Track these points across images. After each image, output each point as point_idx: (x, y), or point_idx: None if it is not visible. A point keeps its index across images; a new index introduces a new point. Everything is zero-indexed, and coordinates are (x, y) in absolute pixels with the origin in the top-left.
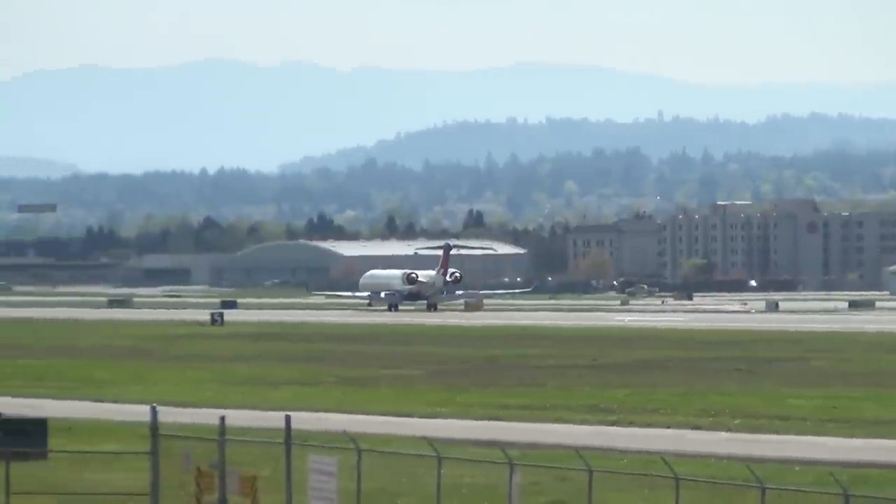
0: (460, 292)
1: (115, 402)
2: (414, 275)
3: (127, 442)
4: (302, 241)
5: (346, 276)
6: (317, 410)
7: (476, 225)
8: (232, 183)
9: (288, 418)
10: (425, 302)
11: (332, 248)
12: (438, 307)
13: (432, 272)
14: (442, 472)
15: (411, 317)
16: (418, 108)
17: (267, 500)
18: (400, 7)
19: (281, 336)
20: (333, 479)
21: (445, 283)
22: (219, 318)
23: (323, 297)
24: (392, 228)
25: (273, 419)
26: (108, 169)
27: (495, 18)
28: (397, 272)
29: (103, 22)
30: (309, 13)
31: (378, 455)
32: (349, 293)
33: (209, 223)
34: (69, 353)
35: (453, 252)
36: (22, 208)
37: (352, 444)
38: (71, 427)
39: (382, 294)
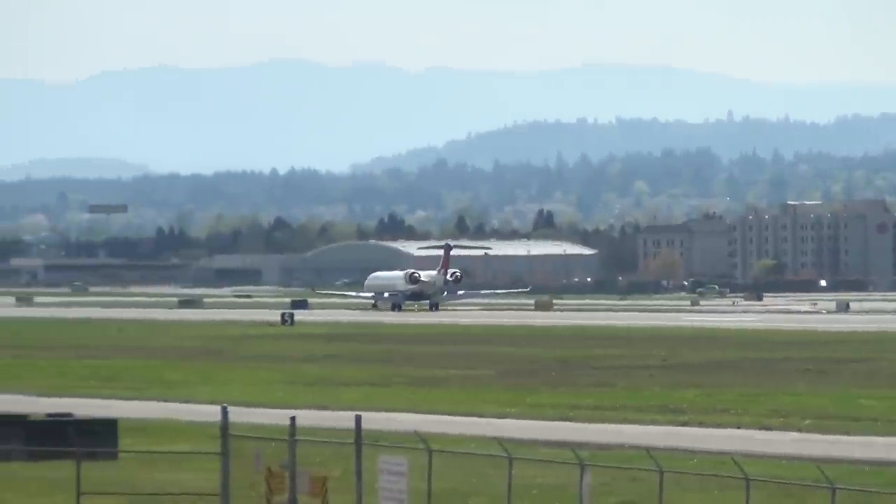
0: (461, 292)
1: (186, 402)
2: (416, 274)
3: (197, 442)
4: (372, 241)
5: None
6: (387, 411)
7: (546, 225)
8: (303, 183)
9: (358, 418)
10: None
11: (402, 249)
12: (440, 307)
13: (433, 272)
14: (512, 472)
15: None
16: (489, 109)
17: (337, 500)
18: (471, 7)
19: (351, 336)
20: (404, 479)
21: (446, 282)
22: (289, 319)
23: (330, 295)
24: (462, 229)
25: (343, 419)
26: (178, 169)
27: (566, 18)
28: (400, 273)
29: (175, 22)
30: (380, 14)
31: (449, 455)
32: (354, 293)
33: (280, 223)
34: (140, 354)
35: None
36: (93, 209)
37: (422, 444)
38: (144, 428)
39: (386, 294)
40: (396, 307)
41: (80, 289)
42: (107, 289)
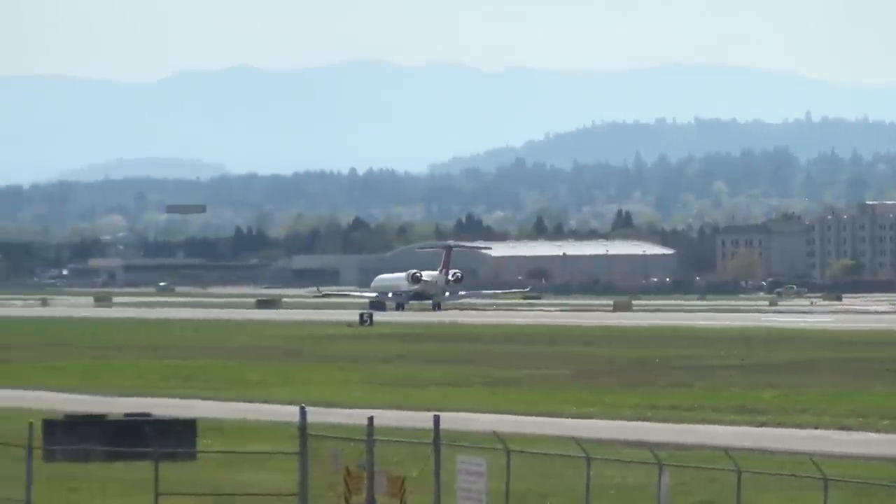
0: (463, 293)
1: (264, 402)
2: (419, 274)
3: (276, 442)
4: (450, 241)
5: (494, 276)
6: (465, 411)
7: (625, 225)
8: (381, 183)
9: (437, 418)
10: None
11: (480, 249)
12: (442, 306)
13: (435, 272)
14: (591, 472)
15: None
16: (567, 109)
17: (415, 500)
18: (548, 8)
19: (429, 336)
20: (482, 479)
21: (447, 282)
22: (367, 319)
23: (332, 295)
24: (541, 229)
25: (421, 419)
26: (257, 169)
27: (644, 18)
28: (403, 274)
29: (254, 23)
30: (457, 15)
31: (527, 455)
32: (357, 293)
33: (358, 224)
34: (219, 354)
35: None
36: (171, 209)
37: (500, 444)
38: (223, 428)
39: (390, 294)
40: (400, 307)
41: (167, 289)
42: (188, 289)
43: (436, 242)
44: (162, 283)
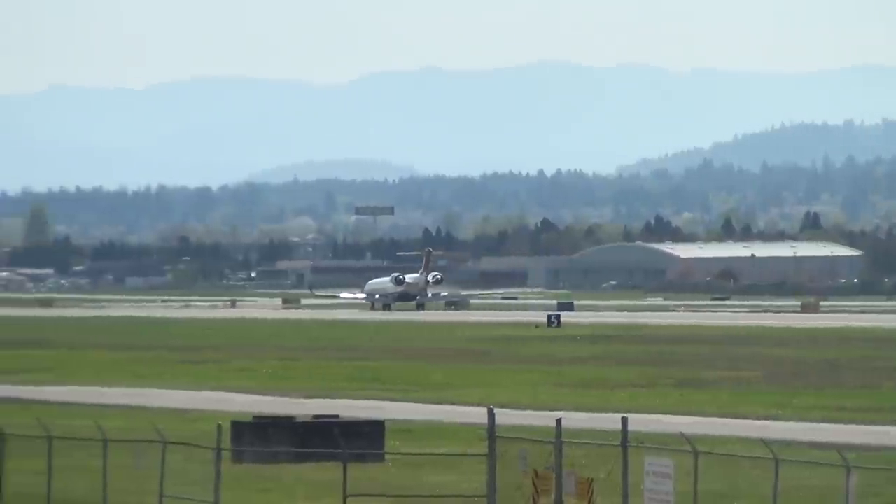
0: (444, 293)
1: (452, 404)
2: (402, 277)
3: (464, 444)
4: (638, 242)
5: (682, 277)
6: (653, 412)
7: (813, 227)
8: (569, 184)
9: (625, 420)
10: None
11: (668, 251)
12: (425, 306)
13: (417, 275)
14: (779, 474)
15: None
16: (754, 110)
17: (603, 502)
18: (734, 9)
19: (617, 338)
20: (670, 481)
21: (427, 283)
22: (555, 320)
23: (324, 297)
24: (729, 230)
25: (609, 421)
26: (444, 171)
27: (832, 20)
28: (388, 278)
29: (441, 24)
30: (645, 16)
31: (714, 457)
32: (349, 295)
33: (546, 225)
34: (406, 355)
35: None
36: (359, 210)
37: (688, 445)
38: (411, 430)
39: (377, 296)
40: (387, 307)
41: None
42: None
43: (416, 252)
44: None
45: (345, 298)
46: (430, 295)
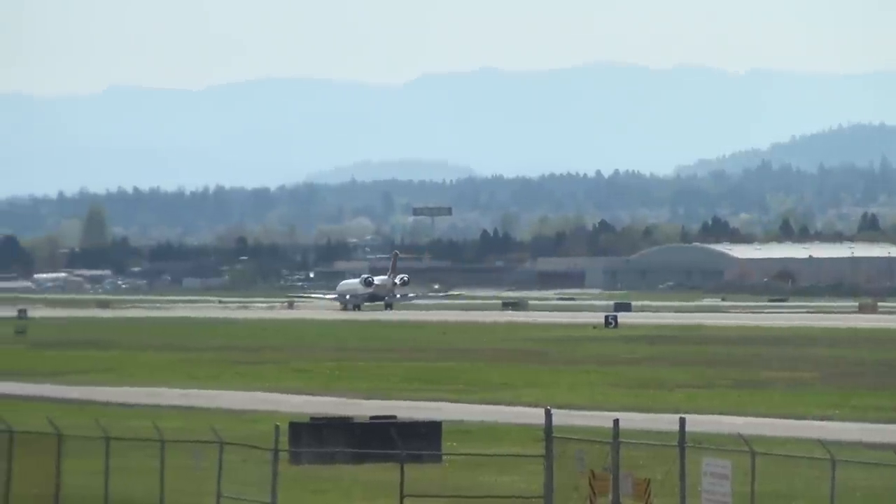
0: (411, 294)
1: (510, 404)
2: (370, 279)
3: (521, 445)
4: (696, 243)
5: (740, 278)
6: (710, 413)
7: (870, 228)
8: (627, 185)
9: (682, 420)
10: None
11: (725, 251)
12: (394, 306)
13: (385, 277)
14: (836, 474)
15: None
16: (811, 111)
17: (660, 503)
18: (791, 9)
19: (674, 339)
20: (727, 481)
21: (394, 285)
22: (613, 321)
23: (297, 297)
24: (787, 231)
25: (666, 422)
26: (502, 171)
27: (889, 19)
28: (357, 280)
29: (498, 25)
30: (700, 16)
31: (772, 458)
32: (320, 295)
33: (604, 226)
34: (464, 356)
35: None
36: (417, 211)
37: (745, 446)
38: (468, 431)
39: (348, 296)
40: (356, 307)
41: (443, 291)
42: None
43: (384, 256)
44: (436, 287)
45: (317, 299)
46: (397, 296)
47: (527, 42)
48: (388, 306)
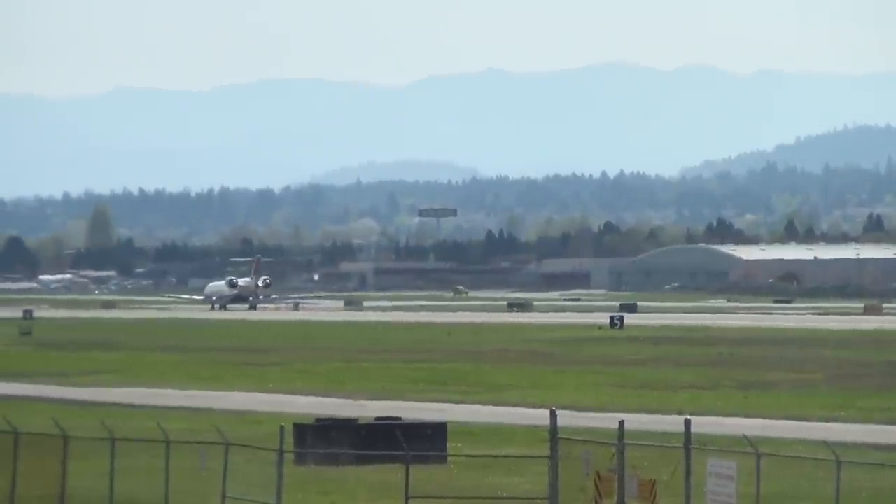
0: (274, 296)
1: (515, 406)
2: (235, 281)
3: (526, 446)
4: (701, 245)
5: (745, 279)
6: (715, 414)
7: (876, 229)
8: (632, 186)
9: (688, 422)
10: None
11: (731, 253)
12: (258, 307)
13: (248, 279)
14: (841, 476)
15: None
16: (817, 112)
17: None
18: (797, 10)
19: (680, 340)
20: (732, 483)
21: (257, 286)
22: (618, 322)
23: (171, 297)
24: (792, 232)
25: (671, 423)
26: (507, 172)
27: (894, 20)
28: (223, 282)
29: (504, 26)
30: (706, 17)
31: (777, 459)
32: (187, 296)
33: (609, 227)
34: (469, 357)
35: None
36: (422, 212)
37: (751, 447)
38: (473, 432)
39: (214, 297)
40: (223, 307)
41: (461, 292)
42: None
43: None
44: (458, 287)
45: (185, 299)
46: (261, 297)
47: (533, 43)
48: (253, 307)
